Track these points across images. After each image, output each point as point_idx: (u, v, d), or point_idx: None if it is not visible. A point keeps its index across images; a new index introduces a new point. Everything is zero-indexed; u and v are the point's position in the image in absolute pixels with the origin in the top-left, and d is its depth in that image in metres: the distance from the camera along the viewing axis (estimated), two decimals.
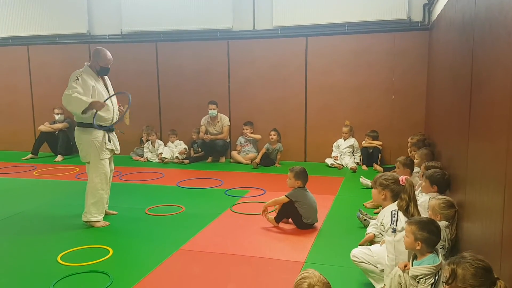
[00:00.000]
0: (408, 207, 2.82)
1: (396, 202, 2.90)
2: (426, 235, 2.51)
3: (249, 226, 4.25)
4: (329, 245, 3.76)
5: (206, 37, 7.79)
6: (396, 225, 2.75)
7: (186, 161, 7.54)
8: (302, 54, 7.40)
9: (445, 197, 3.49)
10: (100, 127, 4.32)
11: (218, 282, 3.09)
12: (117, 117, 4.51)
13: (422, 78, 6.89)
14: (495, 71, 2.38)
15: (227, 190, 5.59)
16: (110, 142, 4.38)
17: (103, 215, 4.38)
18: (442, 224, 3.20)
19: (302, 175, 4.20)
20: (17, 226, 4.35)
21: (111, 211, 4.65)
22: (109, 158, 4.48)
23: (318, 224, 4.21)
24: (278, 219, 4.22)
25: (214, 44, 7.78)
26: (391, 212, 2.84)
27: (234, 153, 7.63)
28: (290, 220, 4.27)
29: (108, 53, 4.45)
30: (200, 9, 7.60)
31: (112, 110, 4.42)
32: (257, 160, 7.16)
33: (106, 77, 4.57)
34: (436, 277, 2.45)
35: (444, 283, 1.99)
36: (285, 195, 4.16)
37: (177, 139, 7.89)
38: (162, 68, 8.12)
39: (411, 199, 2.84)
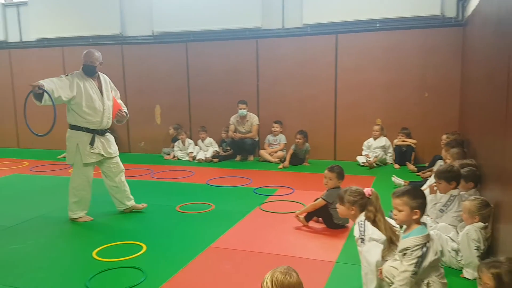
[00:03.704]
0: (375, 218, 2.81)
1: (363, 213, 2.88)
2: (421, 200, 2.51)
3: (278, 225, 4.25)
4: None
5: (235, 36, 7.83)
6: (364, 235, 2.77)
7: (215, 160, 7.61)
8: (332, 51, 7.34)
9: (478, 197, 3.40)
10: (88, 130, 4.33)
11: (249, 280, 3.10)
12: (109, 121, 4.47)
13: (455, 75, 6.72)
14: None
15: (256, 188, 5.61)
16: (94, 146, 4.33)
17: (86, 211, 4.49)
18: (478, 225, 3.12)
19: (343, 175, 4.13)
20: (54, 222, 4.49)
21: (139, 205, 4.75)
22: (115, 159, 4.52)
23: (349, 224, 4.16)
24: (308, 218, 4.20)
25: (243, 43, 7.81)
26: (358, 223, 2.85)
27: (262, 151, 7.64)
28: (320, 219, 4.25)
29: (90, 52, 4.36)
30: (229, 8, 7.65)
31: (101, 114, 4.36)
32: (286, 163, 7.08)
33: (104, 79, 4.51)
34: (424, 249, 2.40)
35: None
36: (322, 198, 4.08)
37: (207, 136, 7.97)
38: (192, 68, 8.21)
39: (378, 210, 2.83)
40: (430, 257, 2.44)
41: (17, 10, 9.13)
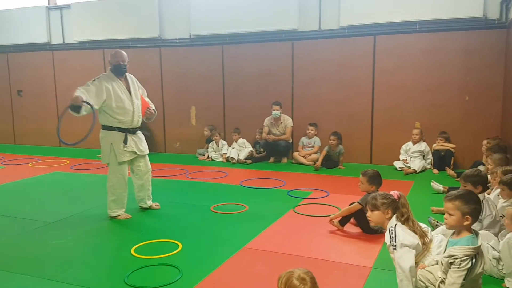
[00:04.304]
0: (409, 219, 2.82)
1: (394, 218, 2.85)
2: (473, 206, 2.41)
3: (312, 228, 4.23)
4: None
5: (271, 39, 7.84)
6: (395, 242, 2.71)
7: (249, 161, 7.64)
8: (369, 53, 7.24)
9: None
10: (120, 129, 4.44)
11: None
12: (139, 120, 4.59)
13: (498, 78, 6.51)
14: None
15: (290, 191, 5.59)
16: (127, 144, 4.46)
17: (125, 209, 4.60)
18: None
19: (376, 179, 4.07)
20: (93, 219, 4.62)
21: (153, 205, 4.87)
22: (144, 158, 4.65)
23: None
24: (342, 222, 4.14)
25: (279, 45, 7.81)
26: (389, 229, 2.80)
27: (296, 154, 7.61)
28: (355, 224, 4.18)
29: (118, 52, 4.46)
30: (265, 10, 7.66)
31: (131, 113, 4.48)
32: (318, 163, 7.06)
33: (131, 79, 4.61)
34: (474, 260, 2.32)
35: None
36: (358, 202, 4.03)
37: (240, 138, 8.01)
38: (227, 70, 8.29)
39: (409, 211, 2.85)
40: (476, 270, 2.36)
41: (60, 13, 9.46)
